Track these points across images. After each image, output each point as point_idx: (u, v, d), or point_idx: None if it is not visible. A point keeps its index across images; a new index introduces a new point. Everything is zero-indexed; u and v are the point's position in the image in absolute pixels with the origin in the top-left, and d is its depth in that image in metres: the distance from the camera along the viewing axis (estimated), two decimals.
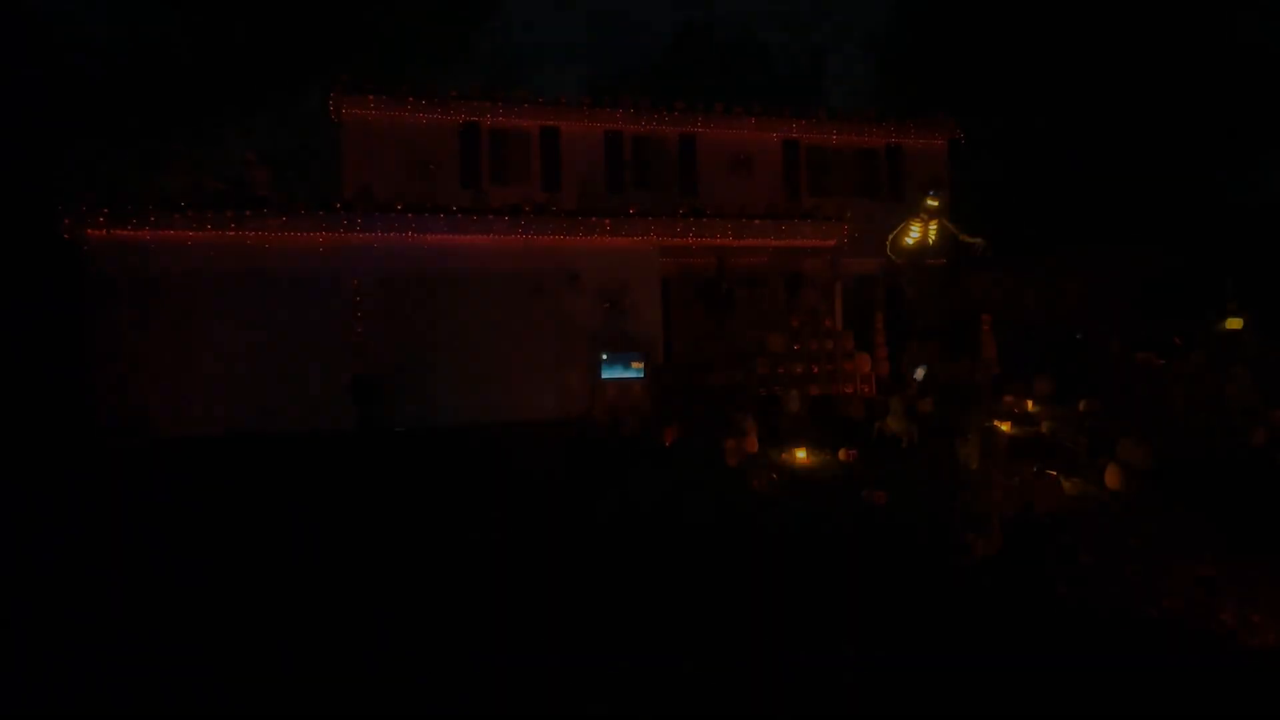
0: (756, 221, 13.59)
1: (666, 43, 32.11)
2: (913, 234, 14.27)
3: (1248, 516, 5.94)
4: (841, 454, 8.01)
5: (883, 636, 3.94)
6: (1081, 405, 10.29)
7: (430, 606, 4.54)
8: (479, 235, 12.09)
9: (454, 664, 3.77)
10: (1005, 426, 6.42)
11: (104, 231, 10.72)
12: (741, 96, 16.50)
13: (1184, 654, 3.77)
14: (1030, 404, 10.73)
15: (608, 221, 12.65)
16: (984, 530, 4.87)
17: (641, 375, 12.30)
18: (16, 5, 19.84)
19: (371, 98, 14.27)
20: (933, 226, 14.27)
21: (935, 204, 14.37)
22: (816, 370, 12.82)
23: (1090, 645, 3.85)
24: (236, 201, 11.20)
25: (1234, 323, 10.93)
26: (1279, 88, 24.91)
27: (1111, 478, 6.77)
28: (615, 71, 29.64)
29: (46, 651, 4.03)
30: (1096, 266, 14.90)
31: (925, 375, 12.94)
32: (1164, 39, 25.17)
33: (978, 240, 14.04)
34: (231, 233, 11.13)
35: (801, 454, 8.21)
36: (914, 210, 14.52)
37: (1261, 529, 5.61)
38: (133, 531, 6.32)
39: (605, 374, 12.18)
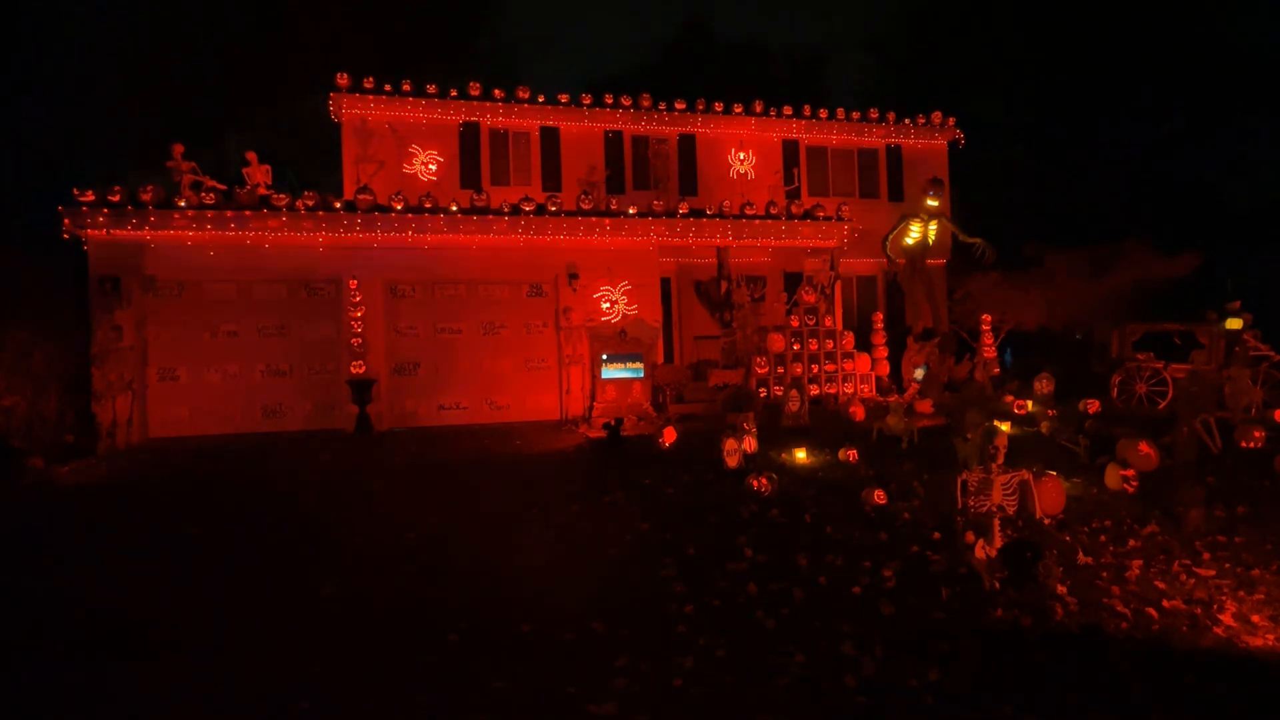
0: (756, 221, 13.59)
1: (666, 43, 32.04)
2: (912, 234, 14.26)
3: (1247, 516, 5.95)
4: (841, 454, 8.00)
5: (883, 639, 3.94)
6: (1081, 405, 10.30)
7: None
8: (479, 235, 12.08)
9: None
10: (1005, 426, 6.41)
11: (104, 231, 10.71)
12: (741, 96, 16.47)
13: (1184, 654, 3.77)
14: (1030, 404, 10.74)
15: (607, 221, 12.64)
16: (984, 530, 4.87)
17: (641, 375, 12.29)
18: (18, 4, 19.84)
19: (371, 98, 14.26)
20: (932, 226, 14.27)
21: (935, 204, 14.37)
22: (816, 370, 12.83)
23: (1090, 646, 3.85)
24: (236, 201, 11.19)
25: (1234, 323, 10.91)
26: (1276, 87, 24.92)
27: (1111, 478, 6.77)
28: (615, 71, 29.60)
29: None
30: (1097, 266, 14.89)
31: (925, 375, 12.94)
32: (1163, 39, 25.16)
33: (978, 240, 14.04)
34: (231, 233, 11.13)
35: (801, 454, 8.19)
36: (914, 210, 14.53)
37: (1260, 529, 5.61)
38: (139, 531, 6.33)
39: (605, 374, 12.18)
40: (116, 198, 10.73)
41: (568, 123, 15.44)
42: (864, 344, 13.94)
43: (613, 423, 9.35)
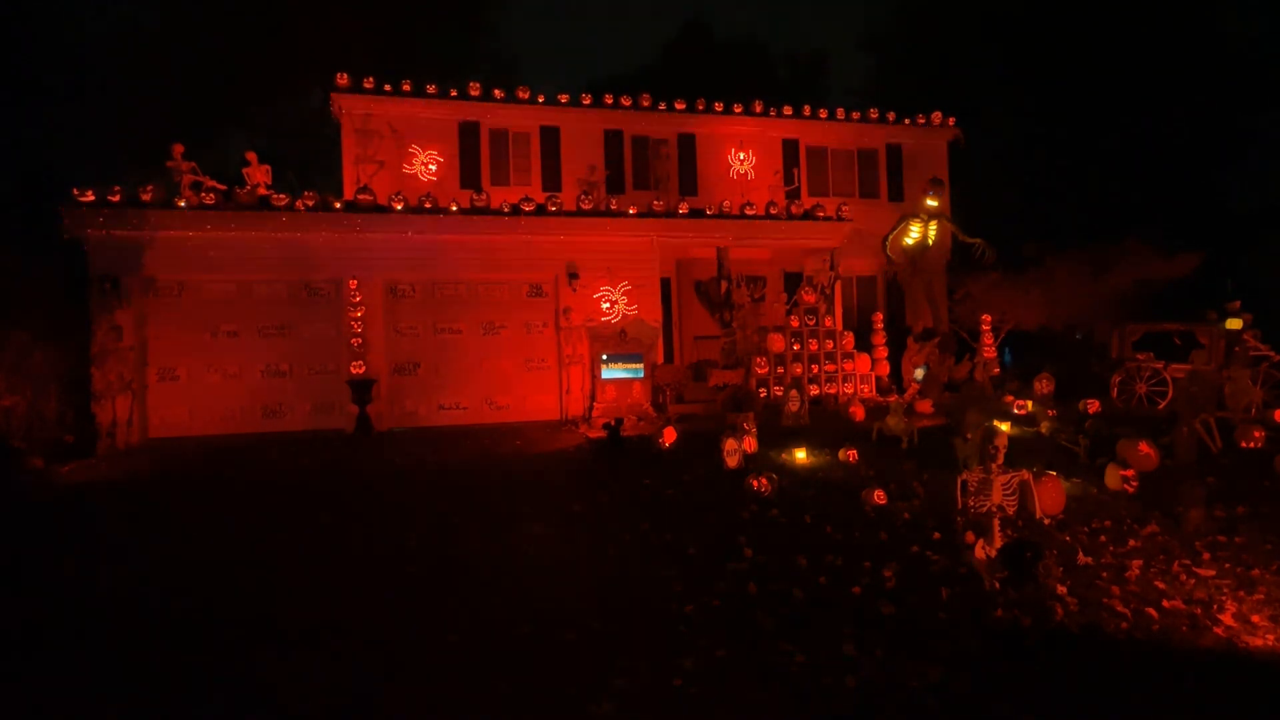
0: (756, 221, 13.59)
1: (666, 43, 32.04)
2: (912, 234, 14.26)
3: (1247, 516, 5.94)
4: (841, 454, 8.00)
5: (883, 639, 3.94)
6: (1081, 405, 10.30)
7: None
8: (479, 235, 12.07)
9: None
10: (1005, 426, 6.42)
11: (104, 232, 10.70)
12: (741, 96, 16.46)
13: (1184, 654, 3.77)
14: (1030, 404, 10.74)
15: (607, 221, 12.63)
16: (984, 530, 4.88)
17: (641, 375, 12.30)
18: (19, 5, 19.83)
19: (371, 98, 14.24)
20: (932, 226, 14.26)
21: (935, 204, 14.36)
22: (816, 370, 12.82)
23: (1090, 646, 3.85)
24: (236, 201, 11.18)
25: (1234, 323, 10.91)
26: (1275, 87, 24.91)
27: (1111, 478, 6.77)
28: (615, 71, 29.62)
29: None
30: (1097, 266, 14.87)
31: (925, 375, 12.94)
32: (1163, 39, 25.16)
33: (978, 240, 14.03)
34: (231, 233, 11.12)
35: (801, 454, 8.19)
36: (914, 210, 14.52)
37: (1260, 529, 5.61)
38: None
39: (605, 374, 12.18)
40: (116, 198, 10.73)
41: (568, 122, 15.43)
42: (864, 344, 13.94)
43: (613, 423, 9.35)
